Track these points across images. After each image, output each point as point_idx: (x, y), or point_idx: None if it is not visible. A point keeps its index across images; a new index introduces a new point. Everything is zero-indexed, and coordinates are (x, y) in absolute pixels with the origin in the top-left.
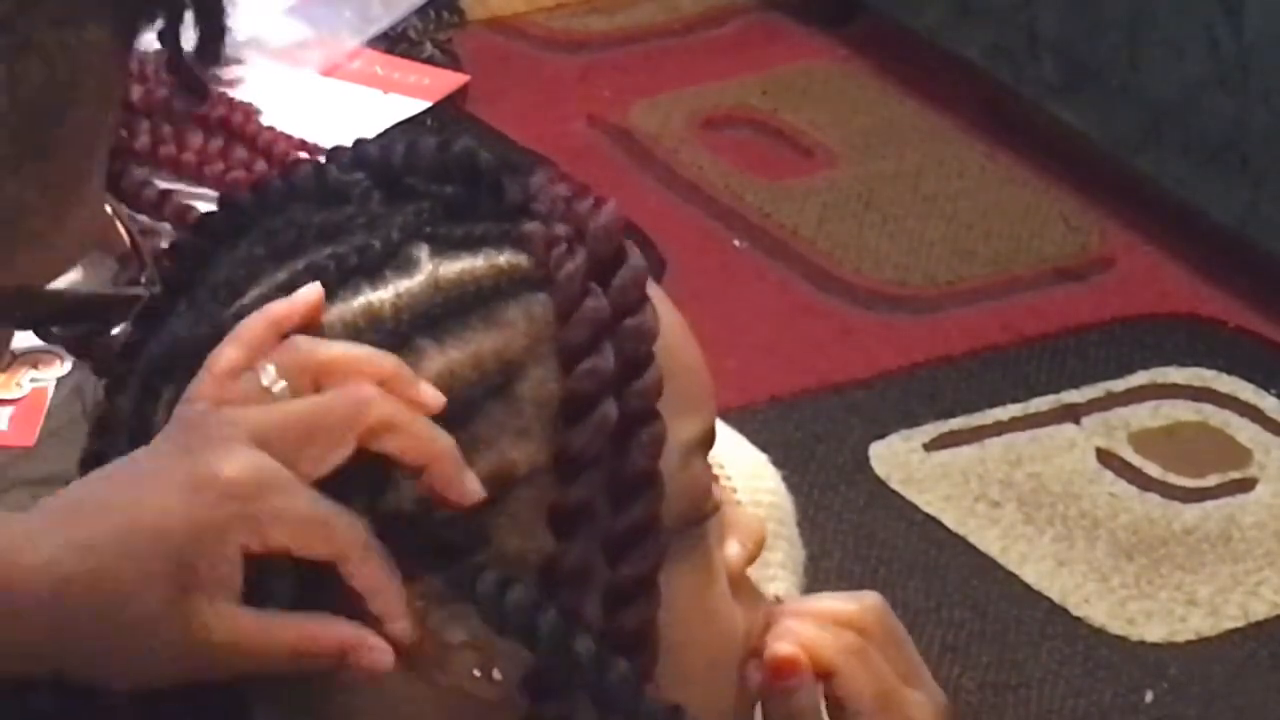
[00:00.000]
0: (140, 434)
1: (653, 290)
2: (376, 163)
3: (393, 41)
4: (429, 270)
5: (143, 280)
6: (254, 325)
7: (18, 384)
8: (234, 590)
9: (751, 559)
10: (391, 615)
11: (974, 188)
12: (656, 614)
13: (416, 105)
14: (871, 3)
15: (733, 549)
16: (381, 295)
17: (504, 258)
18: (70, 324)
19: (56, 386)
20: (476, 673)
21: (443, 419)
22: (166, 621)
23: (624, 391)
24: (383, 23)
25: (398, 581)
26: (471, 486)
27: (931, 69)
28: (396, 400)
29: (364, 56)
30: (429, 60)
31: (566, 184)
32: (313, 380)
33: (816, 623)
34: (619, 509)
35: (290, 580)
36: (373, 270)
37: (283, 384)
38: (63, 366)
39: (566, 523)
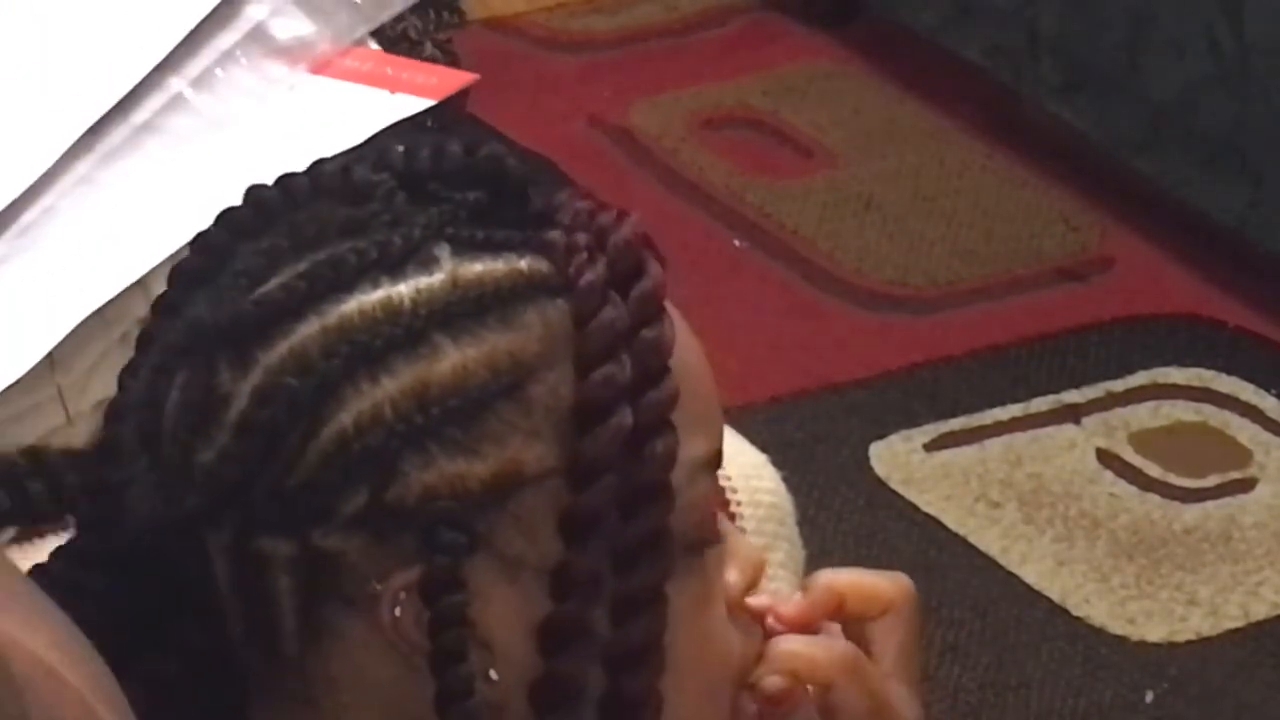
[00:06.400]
0: (150, 416)
1: (669, 309)
2: (402, 165)
3: (392, 41)
4: (449, 269)
5: None
6: None
7: None
8: None
9: (750, 587)
10: None
11: (974, 188)
12: (664, 628)
13: (421, 104)
14: (871, 3)
15: (731, 576)
16: (400, 290)
17: (525, 262)
18: None
19: None
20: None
21: (454, 415)
22: None
23: (639, 401)
24: (396, 6)
25: None
26: None
27: (931, 69)
28: None
29: (366, 55)
30: (429, 60)
31: (590, 199)
32: None
33: (808, 640)
34: (629, 518)
35: None
36: (393, 265)
37: None
38: None
39: (578, 529)
